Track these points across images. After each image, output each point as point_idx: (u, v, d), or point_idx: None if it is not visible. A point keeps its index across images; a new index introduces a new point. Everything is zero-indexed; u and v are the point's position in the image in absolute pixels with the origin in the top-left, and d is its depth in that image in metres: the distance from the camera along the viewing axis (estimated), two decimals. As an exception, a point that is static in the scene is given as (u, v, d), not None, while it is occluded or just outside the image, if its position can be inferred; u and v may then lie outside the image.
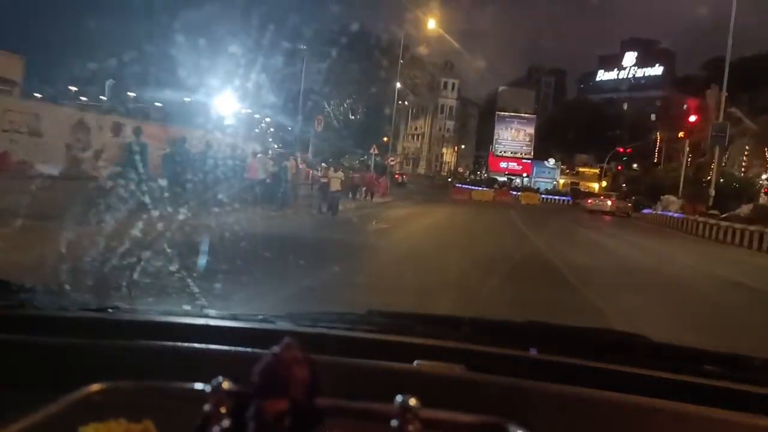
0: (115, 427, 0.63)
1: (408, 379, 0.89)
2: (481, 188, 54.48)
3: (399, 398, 0.59)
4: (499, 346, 1.06)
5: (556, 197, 55.15)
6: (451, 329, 1.18)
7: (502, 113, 79.60)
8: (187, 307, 1.30)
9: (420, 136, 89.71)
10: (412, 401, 0.58)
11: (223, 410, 0.58)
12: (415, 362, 0.95)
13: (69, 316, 1.12)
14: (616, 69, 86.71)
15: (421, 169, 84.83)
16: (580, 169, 73.49)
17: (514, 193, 52.79)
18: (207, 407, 0.58)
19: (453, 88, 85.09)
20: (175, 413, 0.65)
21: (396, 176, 49.39)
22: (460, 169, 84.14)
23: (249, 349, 0.90)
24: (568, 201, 52.56)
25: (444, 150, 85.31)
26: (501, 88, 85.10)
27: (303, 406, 0.58)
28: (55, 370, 0.87)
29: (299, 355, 0.60)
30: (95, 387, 0.70)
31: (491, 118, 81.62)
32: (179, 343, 0.97)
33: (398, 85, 41.75)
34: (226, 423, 0.57)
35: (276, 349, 0.60)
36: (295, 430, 0.57)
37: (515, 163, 77.54)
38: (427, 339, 1.06)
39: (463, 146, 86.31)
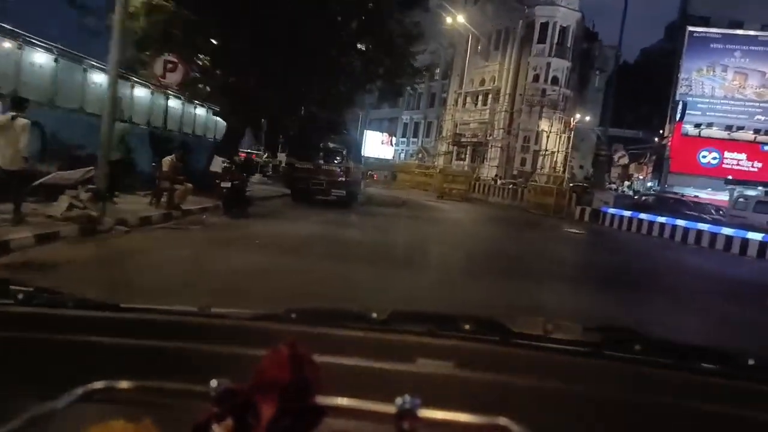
0: (114, 426, 0.63)
1: (408, 379, 0.92)
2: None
3: (399, 398, 0.59)
4: (497, 344, 1.09)
5: None
6: (450, 327, 1.21)
7: (701, 30, 33.14)
8: (187, 306, 1.26)
9: (490, 96, 43.86)
10: (413, 401, 0.58)
11: (222, 410, 0.57)
12: (415, 361, 0.97)
13: (68, 314, 1.14)
14: None
15: (491, 168, 39.52)
16: None
17: None
18: (207, 407, 0.58)
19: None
20: (175, 413, 0.65)
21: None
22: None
23: (249, 349, 0.91)
24: None
25: (543, 125, 39.48)
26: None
27: (302, 406, 0.58)
28: (54, 368, 0.90)
29: (299, 355, 0.59)
30: (93, 386, 0.71)
31: (645, 62, 35.75)
32: (179, 343, 0.99)
33: None
34: (225, 423, 0.57)
35: (276, 348, 0.60)
36: (294, 430, 0.57)
37: (742, 155, 31.14)
38: (427, 338, 1.09)
39: (587, 118, 40.21)
